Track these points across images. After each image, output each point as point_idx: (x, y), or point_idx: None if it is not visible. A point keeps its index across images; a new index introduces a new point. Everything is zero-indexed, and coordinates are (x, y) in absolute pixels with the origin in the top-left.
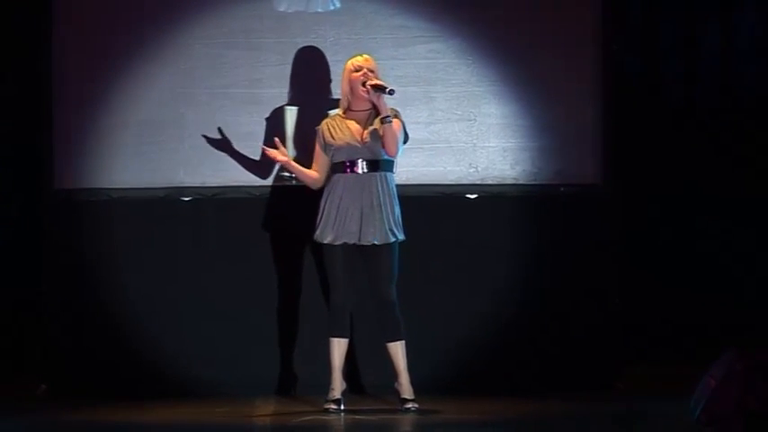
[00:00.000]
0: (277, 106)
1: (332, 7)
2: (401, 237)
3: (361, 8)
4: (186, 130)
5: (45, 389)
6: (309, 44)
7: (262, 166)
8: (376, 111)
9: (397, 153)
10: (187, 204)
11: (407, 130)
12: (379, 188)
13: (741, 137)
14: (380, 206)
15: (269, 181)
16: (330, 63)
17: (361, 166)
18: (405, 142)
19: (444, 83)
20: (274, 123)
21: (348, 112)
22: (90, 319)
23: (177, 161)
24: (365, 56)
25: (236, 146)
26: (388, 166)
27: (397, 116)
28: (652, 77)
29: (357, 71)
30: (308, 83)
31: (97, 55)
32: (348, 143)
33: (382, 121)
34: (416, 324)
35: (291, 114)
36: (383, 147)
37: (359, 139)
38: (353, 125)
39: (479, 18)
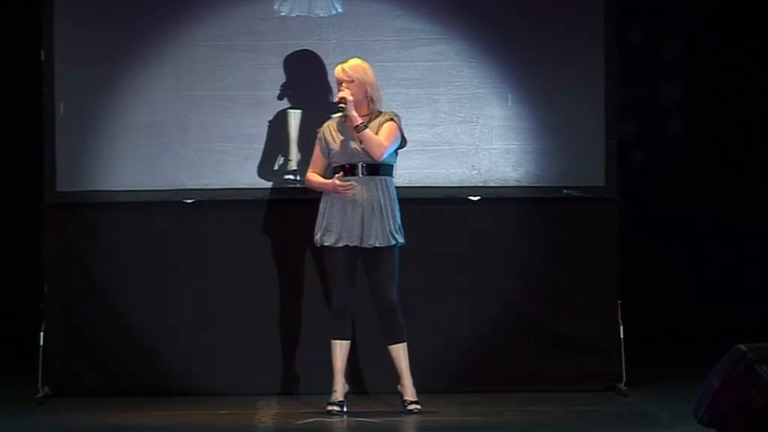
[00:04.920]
0: (279, 109)
1: (334, 12)
2: (401, 240)
3: (363, 10)
4: (188, 133)
5: (46, 390)
6: (311, 47)
7: (263, 167)
8: (375, 115)
9: (381, 157)
10: (189, 206)
11: (405, 135)
12: (380, 192)
13: (744, 139)
14: (381, 209)
15: (271, 183)
16: (333, 65)
17: (361, 170)
18: (402, 146)
19: (447, 85)
20: (277, 126)
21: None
22: (91, 320)
23: (179, 163)
24: (348, 63)
25: (238, 148)
26: (388, 170)
27: (393, 119)
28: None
29: (339, 83)
30: (310, 85)
31: (99, 57)
32: (347, 147)
33: (356, 130)
34: (418, 325)
35: (294, 117)
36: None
37: (358, 142)
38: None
39: (482, 20)
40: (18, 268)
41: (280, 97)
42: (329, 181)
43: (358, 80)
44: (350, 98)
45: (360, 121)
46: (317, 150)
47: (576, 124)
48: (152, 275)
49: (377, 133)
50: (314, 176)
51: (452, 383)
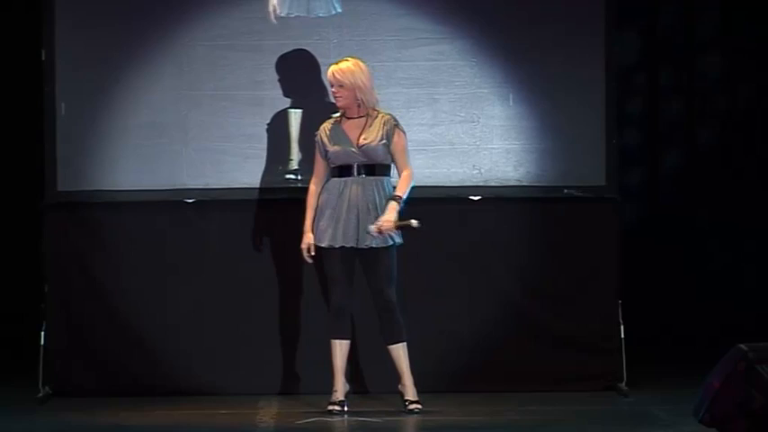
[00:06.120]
0: (280, 109)
1: (333, 12)
2: (399, 240)
3: (364, 10)
4: (189, 132)
5: (46, 390)
6: (312, 46)
7: (264, 167)
8: (372, 116)
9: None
10: (190, 206)
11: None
12: (375, 192)
13: (744, 139)
14: (377, 210)
15: (272, 182)
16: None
17: (357, 170)
18: None
19: (448, 84)
20: (278, 125)
21: (344, 117)
22: (92, 320)
23: (180, 163)
24: (339, 66)
25: (239, 147)
26: (384, 169)
27: (397, 126)
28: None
29: (332, 86)
30: (311, 84)
31: (99, 57)
32: (344, 148)
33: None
34: (419, 325)
35: (295, 116)
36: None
37: (355, 143)
38: (350, 130)
39: (483, 20)
40: (18, 268)
41: (281, 96)
42: (306, 236)
43: (347, 85)
44: (386, 227)
45: (392, 216)
46: (316, 155)
47: (577, 124)
48: (152, 275)
49: (381, 137)
50: (309, 200)
51: (453, 383)
